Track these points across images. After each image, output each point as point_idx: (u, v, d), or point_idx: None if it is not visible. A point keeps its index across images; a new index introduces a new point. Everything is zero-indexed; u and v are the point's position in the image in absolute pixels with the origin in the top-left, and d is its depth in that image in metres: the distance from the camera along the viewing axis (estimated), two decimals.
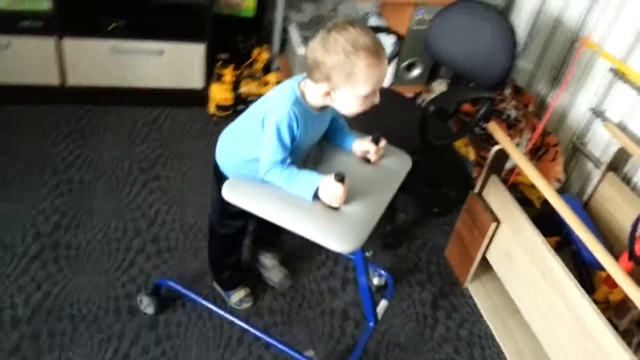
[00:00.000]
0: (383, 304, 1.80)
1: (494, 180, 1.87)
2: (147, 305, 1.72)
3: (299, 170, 1.31)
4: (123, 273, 1.83)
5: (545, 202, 1.88)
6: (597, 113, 2.17)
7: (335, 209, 1.30)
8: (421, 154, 1.77)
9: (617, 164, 2.02)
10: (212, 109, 2.58)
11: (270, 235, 1.88)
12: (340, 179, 1.26)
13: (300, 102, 1.30)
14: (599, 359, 1.45)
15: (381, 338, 1.82)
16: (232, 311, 1.75)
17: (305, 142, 1.37)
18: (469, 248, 1.96)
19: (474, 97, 2.17)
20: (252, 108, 1.42)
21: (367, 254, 1.90)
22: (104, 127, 2.41)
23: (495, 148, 1.84)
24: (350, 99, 1.27)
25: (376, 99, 1.30)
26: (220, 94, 2.55)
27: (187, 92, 2.60)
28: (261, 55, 2.73)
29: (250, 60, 2.73)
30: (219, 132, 1.51)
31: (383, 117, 1.99)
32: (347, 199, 1.29)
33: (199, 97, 2.61)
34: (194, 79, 2.58)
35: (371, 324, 1.71)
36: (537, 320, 1.71)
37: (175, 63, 2.52)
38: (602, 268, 1.73)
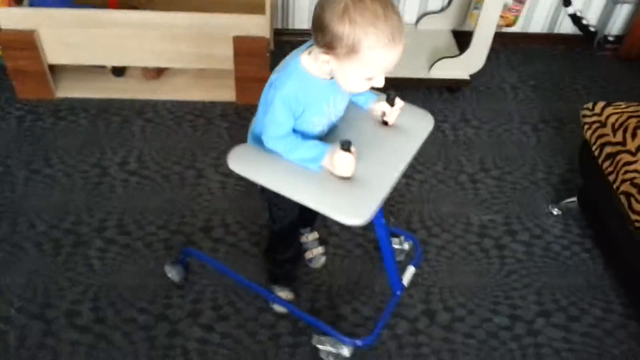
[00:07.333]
0: (411, 271, 1.66)
1: None
2: (173, 274, 1.72)
3: (303, 140, 1.22)
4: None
5: None
6: None
7: (347, 178, 1.20)
8: None
9: None
10: None
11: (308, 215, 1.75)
12: (347, 147, 1.15)
13: (302, 76, 1.19)
14: None
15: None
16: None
17: (324, 112, 1.27)
18: None
19: None
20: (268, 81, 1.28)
21: (391, 219, 1.65)
22: None
23: None
24: (351, 75, 1.13)
25: (380, 81, 1.15)
26: None
27: None
28: None
29: None
30: None
31: None
32: (357, 167, 1.20)
33: None
34: None
35: (398, 292, 1.62)
36: None
37: None
38: None
